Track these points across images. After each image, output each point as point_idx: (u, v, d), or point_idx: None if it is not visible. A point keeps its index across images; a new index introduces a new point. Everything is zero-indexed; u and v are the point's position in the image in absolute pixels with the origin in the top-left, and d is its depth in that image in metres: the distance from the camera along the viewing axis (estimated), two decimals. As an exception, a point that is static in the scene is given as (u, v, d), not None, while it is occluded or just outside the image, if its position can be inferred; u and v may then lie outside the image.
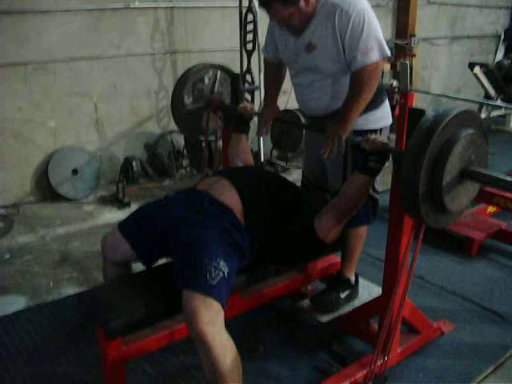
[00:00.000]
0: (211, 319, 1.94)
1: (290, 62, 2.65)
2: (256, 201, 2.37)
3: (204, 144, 3.61)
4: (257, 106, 4.67)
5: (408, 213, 2.09)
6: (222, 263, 2.07)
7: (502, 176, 1.93)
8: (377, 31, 2.36)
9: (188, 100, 3.98)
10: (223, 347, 1.94)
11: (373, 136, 2.24)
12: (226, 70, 4.36)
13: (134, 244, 2.33)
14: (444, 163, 1.88)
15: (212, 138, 3.72)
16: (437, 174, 1.89)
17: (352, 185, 2.35)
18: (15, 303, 3.13)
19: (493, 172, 1.96)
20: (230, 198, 2.32)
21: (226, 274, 2.06)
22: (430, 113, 1.95)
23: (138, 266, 2.44)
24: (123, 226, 2.40)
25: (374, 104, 2.54)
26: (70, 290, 3.28)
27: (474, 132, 1.95)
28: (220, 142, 3.35)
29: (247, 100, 4.84)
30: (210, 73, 4.22)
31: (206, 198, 2.33)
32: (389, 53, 2.41)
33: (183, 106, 3.96)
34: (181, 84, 4.05)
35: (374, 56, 2.34)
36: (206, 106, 3.36)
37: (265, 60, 2.88)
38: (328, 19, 2.36)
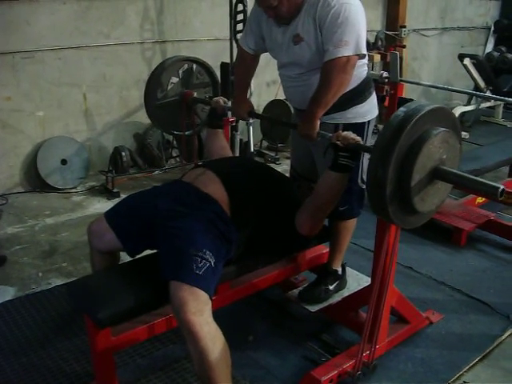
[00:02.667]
0: (199, 309, 1.94)
1: (276, 55, 2.62)
2: (242, 193, 2.36)
3: (181, 137, 3.58)
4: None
5: (375, 212, 2.01)
6: (208, 253, 2.07)
7: (472, 177, 1.87)
8: (357, 26, 2.30)
9: (161, 94, 3.87)
10: (211, 337, 1.94)
11: (345, 132, 2.20)
12: (201, 64, 4.26)
13: (120, 234, 2.32)
14: (413, 162, 1.80)
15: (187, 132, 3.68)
16: (405, 173, 1.81)
17: (325, 182, 2.31)
18: (4, 294, 3.12)
19: (463, 173, 1.90)
20: (216, 190, 2.31)
21: (212, 263, 2.06)
22: (401, 109, 1.87)
23: (127, 256, 2.44)
24: (110, 215, 2.39)
25: (362, 97, 2.54)
26: (59, 281, 3.26)
27: (446, 130, 1.88)
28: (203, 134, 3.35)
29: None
30: (185, 66, 4.13)
31: (192, 190, 2.32)
32: (364, 51, 2.36)
33: (157, 100, 3.85)
34: (154, 78, 3.94)
35: (347, 51, 2.28)
36: (180, 100, 3.34)
37: (239, 52, 2.80)
38: (311, 10, 2.33)
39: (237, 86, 2.87)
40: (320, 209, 2.36)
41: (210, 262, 2.05)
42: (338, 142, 2.18)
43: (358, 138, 2.18)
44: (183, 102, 3.28)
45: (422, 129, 1.83)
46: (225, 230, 2.21)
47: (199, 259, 2.03)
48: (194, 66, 4.18)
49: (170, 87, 3.92)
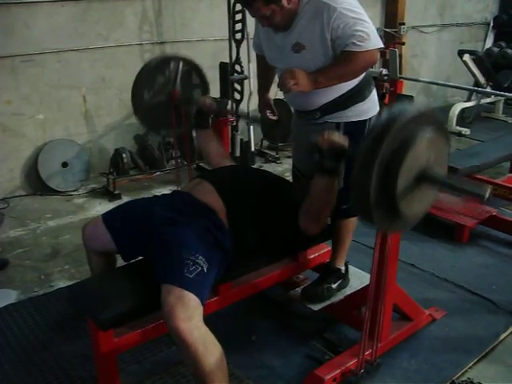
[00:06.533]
0: (188, 315, 1.92)
1: (275, 62, 2.61)
2: (239, 203, 2.35)
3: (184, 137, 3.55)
4: (246, 96, 4.66)
5: (360, 218, 1.94)
6: (200, 258, 2.06)
7: (458, 182, 1.87)
8: (369, 22, 2.31)
9: (148, 95, 3.80)
10: (202, 341, 1.91)
11: (329, 134, 2.13)
12: (188, 62, 4.17)
13: (116, 238, 2.34)
14: (399, 165, 1.73)
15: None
16: (391, 177, 1.74)
17: (316, 187, 2.27)
18: (7, 297, 3.12)
19: (450, 178, 1.87)
20: (213, 199, 2.32)
21: (205, 269, 2.05)
22: (386, 111, 1.82)
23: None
24: (107, 217, 2.41)
25: (362, 96, 2.53)
26: (62, 283, 3.27)
27: (433, 132, 1.82)
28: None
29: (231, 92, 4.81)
30: (172, 65, 4.04)
31: (189, 199, 2.34)
32: (381, 44, 2.37)
33: (143, 101, 3.77)
34: (141, 78, 3.85)
35: (372, 44, 2.29)
36: (168, 100, 3.32)
37: (255, 54, 2.86)
38: (315, 18, 2.31)
39: (258, 86, 2.95)
40: (319, 211, 2.35)
41: (201, 266, 2.04)
42: (323, 145, 2.11)
43: (344, 142, 2.11)
44: (171, 101, 3.26)
45: (408, 131, 1.76)
46: (221, 238, 2.21)
47: (191, 263, 2.03)
48: (181, 64, 4.10)
49: (157, 87, 3.86)
